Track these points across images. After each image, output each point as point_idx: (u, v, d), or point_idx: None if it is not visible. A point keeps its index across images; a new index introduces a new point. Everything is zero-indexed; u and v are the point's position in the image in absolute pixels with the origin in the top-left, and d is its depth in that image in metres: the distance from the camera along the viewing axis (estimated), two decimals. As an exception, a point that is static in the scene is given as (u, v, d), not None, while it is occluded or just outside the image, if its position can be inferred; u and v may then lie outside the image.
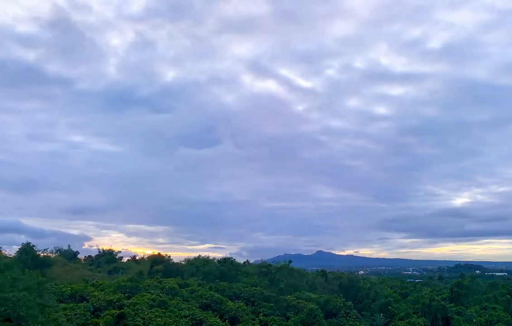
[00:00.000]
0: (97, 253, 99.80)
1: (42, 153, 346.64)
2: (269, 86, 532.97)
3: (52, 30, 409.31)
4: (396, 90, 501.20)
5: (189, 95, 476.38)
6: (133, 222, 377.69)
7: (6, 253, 63.67)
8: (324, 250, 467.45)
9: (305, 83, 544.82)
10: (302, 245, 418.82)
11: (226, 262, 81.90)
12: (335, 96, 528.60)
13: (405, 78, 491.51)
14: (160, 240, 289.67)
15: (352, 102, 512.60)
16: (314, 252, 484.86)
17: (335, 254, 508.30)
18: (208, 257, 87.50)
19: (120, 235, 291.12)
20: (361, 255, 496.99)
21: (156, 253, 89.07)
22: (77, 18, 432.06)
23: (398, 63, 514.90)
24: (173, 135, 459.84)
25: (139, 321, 36.14)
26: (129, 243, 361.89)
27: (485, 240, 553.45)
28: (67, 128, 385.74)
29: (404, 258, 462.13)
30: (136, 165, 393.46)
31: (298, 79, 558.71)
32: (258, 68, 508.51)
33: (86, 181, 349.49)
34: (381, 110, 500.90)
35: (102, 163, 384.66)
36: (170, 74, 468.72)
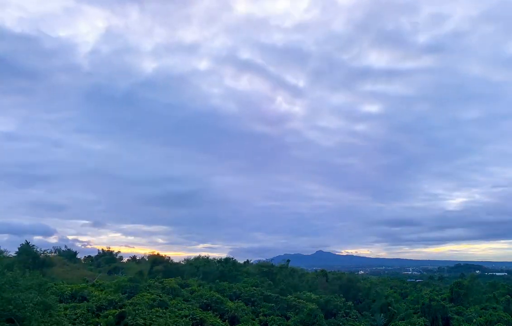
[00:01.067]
0: (97, 253, 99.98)
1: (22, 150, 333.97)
2: (253, 82, 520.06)
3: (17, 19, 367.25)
4: (384, 87, 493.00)
5: (170, 89, 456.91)
6: (128, 222, 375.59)
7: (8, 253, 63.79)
8: (324, 250, 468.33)
9: (292, 80, 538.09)
10: (302, 245, 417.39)
11: (227, 262, 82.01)
12: (322, 93, 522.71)
13: (393, 74, 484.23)
14: (158, 239, 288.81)
15: (340, 100, 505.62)
16: (314, 252, 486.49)
17: (335, 254, 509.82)
18: (208, 257, 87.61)
19: (116, 235, 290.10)
20: (361, 255, 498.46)
21: (155, 253, 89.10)
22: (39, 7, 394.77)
23: (386, 59, 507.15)
24: (155, 131, 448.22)
25: (140, 321, 36.13)
26: (126, 243, 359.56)
27: (482, 241, 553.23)
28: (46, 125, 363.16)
29: (404, 258, 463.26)
30: (122, 163, 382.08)
31: (284, 76, 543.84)
32: (243, 64, 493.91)
33: (76, 179, 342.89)
34: (371, 107, 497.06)
35: (86, 161, 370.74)
36: (149, 67, 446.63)
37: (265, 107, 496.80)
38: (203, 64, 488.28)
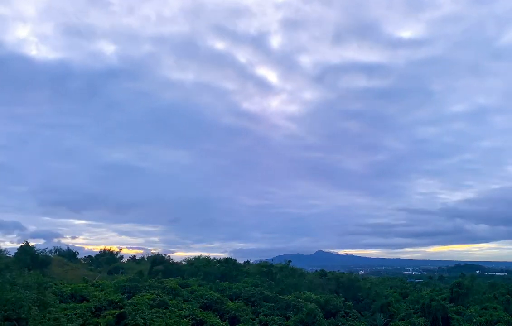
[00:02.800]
0: (98, 253, 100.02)
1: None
2: (226, 74, 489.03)
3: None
4: (365, 81, 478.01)
5: (136, 78, 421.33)
6: (124, 221, 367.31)
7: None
8: (324, 250, 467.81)
9: (266, 74, 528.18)
10: (302, 245, 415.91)
11: (227, 262, 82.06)
12: (299, 88, 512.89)
13: (374, 67, 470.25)
14: (154, 239, 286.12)
15: (319, 94, 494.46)
16: (314, 252, 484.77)
17: (335, 254, 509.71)
18: (208, 257, 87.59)
19: (112, 234, 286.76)
20: (361, 255, 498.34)
21: (155, 252, 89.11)
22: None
23: (368, 54, 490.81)
24: (125, 123, 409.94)
25: (140, 321, 36.10)
26: (121, 242, 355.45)
27: (482, 241, 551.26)
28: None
29: (404, 258, 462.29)
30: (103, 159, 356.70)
31: (258, 68, 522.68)
32: (215, 54, 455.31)
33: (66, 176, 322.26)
34: (354, 104, 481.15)
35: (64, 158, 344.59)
36: (108, 51, 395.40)
37: (239, 101, 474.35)
38: (167, 51, 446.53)
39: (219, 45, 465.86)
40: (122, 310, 36.73)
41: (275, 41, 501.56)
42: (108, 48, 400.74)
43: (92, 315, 36.15)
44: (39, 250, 68.02)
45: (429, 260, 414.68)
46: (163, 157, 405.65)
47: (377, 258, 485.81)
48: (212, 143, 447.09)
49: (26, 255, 62.46)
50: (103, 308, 38.19)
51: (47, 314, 27.67)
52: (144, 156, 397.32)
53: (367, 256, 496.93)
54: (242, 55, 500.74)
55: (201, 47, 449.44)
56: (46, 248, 74.93)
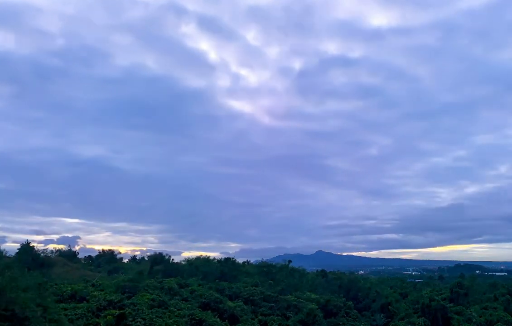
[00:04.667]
0: (97, 253, 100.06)
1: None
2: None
3: None
4: (350, 78, 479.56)
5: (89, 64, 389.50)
6: (120, 220, 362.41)
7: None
8: (324, 250, 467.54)
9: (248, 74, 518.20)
10: (302, 245, 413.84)
11: (227, 262, 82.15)
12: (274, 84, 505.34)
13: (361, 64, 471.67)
14: (150, 239, 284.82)
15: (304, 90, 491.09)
16: (314, 252, 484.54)
17: (335, 254, 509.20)
18: (208, 257, 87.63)
19: (106, 234, 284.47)
20: (361, 255, 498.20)
21: (156, 252, 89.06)
22: None
23: (343, 45, 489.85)
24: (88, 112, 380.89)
25: (140, 321, 36.16)
26: (118, 242, 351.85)
27: (482, 241, 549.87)
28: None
29: (404, 258, 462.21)
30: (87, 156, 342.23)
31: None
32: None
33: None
34: (333, 104, 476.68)
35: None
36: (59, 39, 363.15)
37: (211, 93, 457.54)
38: (129, 35, 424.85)
39: (185, 32, 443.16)
40: (122, 311, 36.79)
41: (247, 32, 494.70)
42: (55, 30, 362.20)
43: (92, 315, 36.23)
44: (39, 250, 68.18)
45: (429, 260, 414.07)
46: (136, 153, 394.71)
47: (377, 258, 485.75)
48: (185, 138, 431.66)
49: (27, 256, 62.52)
50: (103, 308, 38.27)
51: (47, 314, 27.70)
52: (117, 152, 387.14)
53: (367, 256, 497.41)
54: (208, 43, 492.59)
55: (166, 33, 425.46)
56: (46, 249, 75.02)
